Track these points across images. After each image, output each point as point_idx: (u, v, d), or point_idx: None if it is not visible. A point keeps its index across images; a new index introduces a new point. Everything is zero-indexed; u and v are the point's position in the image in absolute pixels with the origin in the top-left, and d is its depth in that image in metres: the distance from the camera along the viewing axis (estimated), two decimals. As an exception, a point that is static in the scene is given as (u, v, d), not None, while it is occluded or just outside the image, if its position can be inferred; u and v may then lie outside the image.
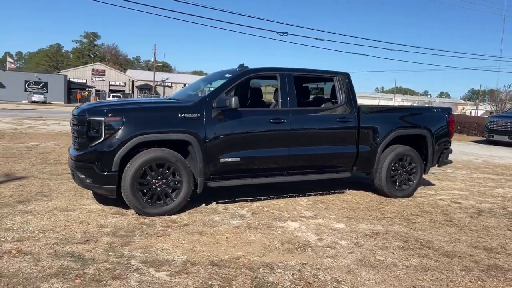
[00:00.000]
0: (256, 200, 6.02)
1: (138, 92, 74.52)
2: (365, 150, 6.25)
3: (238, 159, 5.42)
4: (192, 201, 5.61)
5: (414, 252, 4.23)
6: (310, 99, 6.87)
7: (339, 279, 3.52)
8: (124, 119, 4.86)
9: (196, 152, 5.15)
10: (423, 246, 4.40)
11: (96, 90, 67.03)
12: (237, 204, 5.80)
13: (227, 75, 5.81)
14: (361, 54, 43.79)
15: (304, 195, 6.42)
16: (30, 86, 55.33)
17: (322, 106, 6.33)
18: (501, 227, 5.31)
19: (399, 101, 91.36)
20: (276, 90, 6.16)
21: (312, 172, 6.04)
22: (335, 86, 6.26)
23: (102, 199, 5.55)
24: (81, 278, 3.28)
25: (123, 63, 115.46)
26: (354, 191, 6.91)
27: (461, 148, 15.28)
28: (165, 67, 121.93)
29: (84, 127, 4.95)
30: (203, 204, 5.70)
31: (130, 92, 74.59)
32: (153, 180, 5.01)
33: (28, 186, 6.23)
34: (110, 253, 3.83)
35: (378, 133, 6.29)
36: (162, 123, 5.07)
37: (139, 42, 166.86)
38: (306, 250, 4.17)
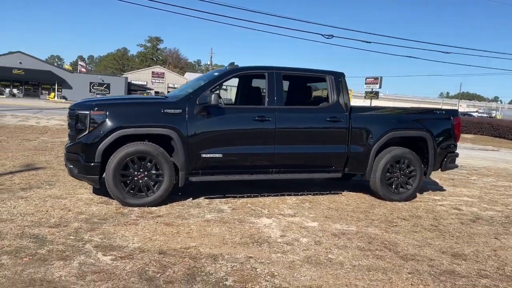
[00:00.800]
0: (246, 197, 6.11)
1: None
2: (357, 151, 6.13)
3: (220, 155, 5.54)
4: (183, 195, 5.88)
5: (372, 253, 4.14)
6: (300, 99, 6.82)
7: (275, 273, 3.54)
8: (107, 113, 5.15)
9: (178, 147, 5.34)
10: (384, 248, 4.29)
11: (155, 92, 69.87)
12: (224, 200, 5.92)
13: (215, 74, 5.95)
14: (410, 56, 42.47)
15: (297, 194, 6.42)
16: (94, 87, 58.88)
17: (312, 105, 6.29)
18: (489, 235, 5.02)
19: (464, 107, 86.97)
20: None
21: (300, 171, 6.02)
22: (327, 85, 6.19)
23: (98, 190, 5.84)
24: (29, 257, 3.56)
25: (183, 66, 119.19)
26: (352, 193, 6.79)
27: (507, 156, 14.38)
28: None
29: (73, 121, 5.31)
30: (190, 198, 5.87)
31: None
32: (135, 172, 5.24)
33: (39, 176, 6.72)
34: (71, 237, 4.10)
35: (371, 134, 6.15)
36: (144, 118, 5.30)
37: (199, 46, 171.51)
38: (262, 245, 4.21)
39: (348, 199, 6.40)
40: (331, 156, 6.04)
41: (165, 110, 5.34)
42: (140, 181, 5.30)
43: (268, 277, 3.47)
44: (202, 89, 5.55)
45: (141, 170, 5.29)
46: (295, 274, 3.55)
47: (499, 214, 6.10)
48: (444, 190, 7.63)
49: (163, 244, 4.06)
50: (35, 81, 59.23)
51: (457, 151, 6.83)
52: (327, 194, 6.60)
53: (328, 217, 5.35)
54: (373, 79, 69.43)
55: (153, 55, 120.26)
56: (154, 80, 76.76)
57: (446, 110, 6.83)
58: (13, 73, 56.14)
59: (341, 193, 6.74)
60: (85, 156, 5.12)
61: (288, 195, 6.39)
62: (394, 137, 6.29)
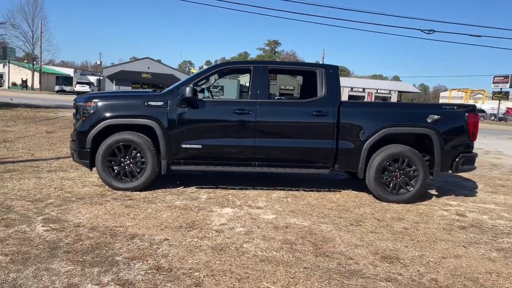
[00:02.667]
0: (237, 189, 6.26)
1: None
2: (347, 147, 5.87)
3: (200, 146, 5.79)
4: (181, 183, 6.37)
5: (290, 247, 4.03)
6: (288, 92, 6.67)
7: (169, 254, 3.70)
8: (97, 105, 5.75)
9: (159, 137, 5.73)
10: (311, 244, 4.14)
11: (300, 97, 71.73)
12: (211, 190, 6.16)
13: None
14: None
15: (290, 189, 6.37)
16: (210, 89, 62.93)
17: (298, 99, 6.17)
18: (461, 242, 4.47)
19: None
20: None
21: (284, 165, 5.97)
22: (316, 79, 6.03)
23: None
24: (-17, 221, 4.24)
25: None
26: (355, 192, 6.49)
27: None
28: (342, 71, 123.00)
29: (75, 111, 6.03)
30: (182, 187, 6.24)
31: (299, 95, 77.50)
32: (121, 159, 5.77)
33: (72, 161, 7.66)
34: (33, 210, 4.74)
35: (363, 130, 5.83)
36: (128, 110, 5.80)
37: (315, 47, 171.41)
38: (192, 231, 4.37)
39: (342, 197, 6.14)
40: (316, 151, 5.88)
41: (149, 103, 5.76)
42: (126, 167, 5.79)
43: (160, 257, 3.65)
44: (185, 83, 5.85)
45: (126, 157, 5.78)
46: (186, 257, 3.66)
47: (511, 224, 5.32)
48: (474, 196, 6.81)
49: (102, 222, 4.47)
50: (160, 84, 65.37)
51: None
52: (324, 191, 6.42)
53: (295, 211, 5.26)
54: (502, 78, 62.49)
55: (271, 57, 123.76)
56: (291, 86, 78.82)
57: (459, 105, 6.10)
58: (142, 77, 62.63)
59: (340, 191, 6.49)
60: (79, 143, 5.78)
61: (280, 189, 6.37)
62: (391, 134, 5.86)
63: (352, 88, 79.18)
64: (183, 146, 5.77)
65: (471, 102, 71.84)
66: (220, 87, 42.15)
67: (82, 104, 5.83)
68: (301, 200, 5.82)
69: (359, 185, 6.83)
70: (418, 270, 3.67)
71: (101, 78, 66.80)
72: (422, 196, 6.31)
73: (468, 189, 7.29)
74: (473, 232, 4.85)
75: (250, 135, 5.80)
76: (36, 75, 57.30)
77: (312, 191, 6.39)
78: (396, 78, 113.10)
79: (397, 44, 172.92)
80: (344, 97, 72.71)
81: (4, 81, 61.17)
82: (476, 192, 7.06)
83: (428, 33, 24.99)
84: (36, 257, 3.49)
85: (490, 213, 5.76)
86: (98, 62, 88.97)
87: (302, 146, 5.86)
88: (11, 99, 26.02)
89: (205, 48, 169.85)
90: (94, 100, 5.82)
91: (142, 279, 3.21)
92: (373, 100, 66.65)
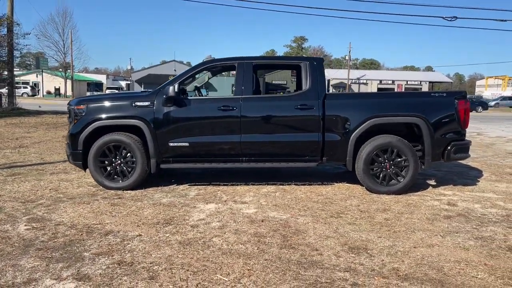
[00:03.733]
0: (229, 185, 6.32)
1: (333, 90, 76.24)
2: (333, 139, 5.82)
3: (187, 144, 5.88)
4: (177, 181, 6.49)
5: (258, 239, 4.06)
6: (273, 87, 6.64)
7: (136, 249, 3.80)
8: (86, 108, 5.94)
9: (147, 136, 5.86)
10: (280, 236, 4.14)
11: (295, 90, 71.65)
12: (202, 186, 6.25)
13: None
14: None
15: (282, 184, 6.37)
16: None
17: (281, 93, 6.15)
18: (439, 232, 4.36)
19: None
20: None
21: (271, 160, 5.98)
22: (301, 73, 6.01)
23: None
24: (-29, 222, 4.48)
25: (327, 64, 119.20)
26: (349, 185, 6.42)
27: None
28: (373, 64, 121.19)
29: (68, 114, 6.25)
30: (175, 185, 6.36)
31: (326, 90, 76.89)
32: (112, 159, 5.94)
33: (79, 164, 7.92)
34: (22, 210, 4.96)
35: (349, 121, 5.77)
36: (116, 111, 5.95)
37: (343, 42, 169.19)
38: (168, 226, 4.47)
39: (333, 190, 6.09)
40: (302, 144, 5.85)
41: (136, 103, 5.90)
42: (117, 167, 5.96)
43: (126, 252, 3.76)
44: (170, 83, 5.96)
45: (117, 157, 5.94)
46: (151, 252, 3.75)
47: (503, 212, 5.14)
48: (474, 185, 6.60)
49: (83, 220, 4.63)
50: (186, 85, 66.36)
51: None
52: (316, 184, 6.38)
53: (278, 205, 5.26)
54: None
55: (298, 54, 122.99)
56: (293, 79, 78.64)
57: (449, 92, 5.93)
58: (169, 79, 63.67)
59: (333, 184, 6.44)
60: (71, 145, 5.99)
61: (272, 184, 6.38)
62: (378, 124, 5.77)
63: (381, 81, 77.81)
64: (171, 144, 5.88)
65: (509, 89, 68.98)
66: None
67: (73, 107, 6.03)
68: (289, 194, 5.81)
69: (355, 178, 6.74)
70: (383, 260, 3.62)
71: (129, 82, 68.40)
72: (417, 186, 6.19)
73: (471, 178, 7.07)
74: (457, 222, 4.72)
75: (235, 131, 5.84)
76: (69, 82, 59.20)
77: (304, 185, 6.37)
78: (428, 69, 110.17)
79: (429, 33, 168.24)
80: (374, 90, 71.58)
81: (39, 89, 63.54)
82: (478, 181, 6.85)
83: (450, 20, 24.27)
84: (7, 254, 3.66)
85: (485, 202, 5.58)
86: (129, 67, 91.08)
87: (288, 140, 5.86)
88: (39, 106, 27.04)
89: (231, 49, 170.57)
90: (84, 103, 6.01)
91: (100, 273, 3.31)
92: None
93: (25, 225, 4.44)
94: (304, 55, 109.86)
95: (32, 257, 3.60)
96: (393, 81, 76.75)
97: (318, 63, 5.97)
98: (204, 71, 6.49)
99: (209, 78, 7.26)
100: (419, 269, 3.44)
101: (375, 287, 3.13)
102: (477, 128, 17.99)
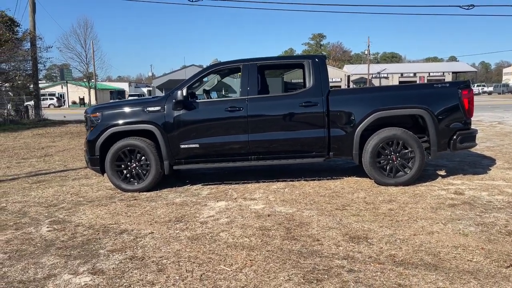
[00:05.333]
0: (240, 184, 6.54)
1: (354, 85, 75.64)
2: (339, 134, 5.97)
3: (197, 145, 6.12)
4: (190, 181, 6.74)
5: (262, 232, 4.24)
6: (291, 86, 6.81)
7: (147, 245, 4.04)
8: (101, 116, 6.26)
9: (159, 140, 6.13)
10: (287, 230, 4.31)
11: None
12: (214, 186, 6.48)
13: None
14: None
15: (293, 180, 6.53)
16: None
17: (286, 92, 6.33)
18: (442, 220, 4.46)
19: None
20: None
21: (280, 157, 6.16)
22: (304, 71, 6.18)
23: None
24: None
25: (347, 59, 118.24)
26: (358, 178, 6.53)
27: None
28: (394, 57, 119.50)
29: (85, 122, 6.59)
30: (189, 185, 6.61)
31: (346, 86, 76.39)
32: (128, 163, 6.23)
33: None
34: (44, 214, 5.29)
35: (353, 116, 5.90)
36: (129, 117, 6.24)
37: (362, 37, 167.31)
38: (178, 223, 4.70)
39: (341, 184, 6.23)
40: (308, 140, 6.01)
41: (147, 109, 6.18)
42: (133, 170, 6.25)
43: (138, 248, 4.01)
44: (178, 87, 6.21)
45: (132, 161, 6.23)
46: (162, 247, 3.99)
47: (509, 199, 5.18)
48: (485, 173, 6.61)
49: (100, 221, 4.92)
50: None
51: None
52: (325, 179, 6.52)
53: (286, 200, 5.44)
54: None
55: (316, 51, 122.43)
56: None
57: (451, 83, 5.98)
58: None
59: (342, 178, 6.57)
60: (89, 151, 6.31)
61: (282, 181, 6.56)
62: (383, 117, 5.88)
63: (402, 74, 76.79)
64: (182, 146, 6.13)
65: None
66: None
67: (89, 115, 6.36)
68: (297, 190, 5.98)
69: (364, 171, 6.85)
70: (381, 248, 3.75)
71: (151, 89, 69.57)
72: (426, 177, 6.27)
73: (482, 167, 7.08)
74: (461, 209, 4.80)
75: (243, 130, 6.04)
76: (92, 92, 60.68)
77: (313, 180, 6.52)
78: (452, 59, 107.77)
79: (451, 22, 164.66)
80: (395, 83, 70.65)
81: (64, 100, 65.34)
82: (489, 170, 6.85)
83: (467, 9, 23.88)
84: (30, 254, 3.96)
85: (492, 189, 5.62)
86: (150, 74, 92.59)
87: (295, 137, 6.02)
88: (64, 116, 27.91)
89: (248, 49, 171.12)
90: (99, 110, 6.33)
91: (113, 268, 3.56)
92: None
93: (47, 227, 4.75)
94: (322, 52, 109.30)
95: (52, 255, 3.89)
96: (414, 74, 75.64)
97: (320, 61, 6.13)
98: (212, 75, 6.71)
99: (218, 81, 7.49)
100: (415, 255, 3.57)
101: (370, 272, 3.27)
102: (499, 117, 17.69)
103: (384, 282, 3.09)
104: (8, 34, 21.35)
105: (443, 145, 5.86)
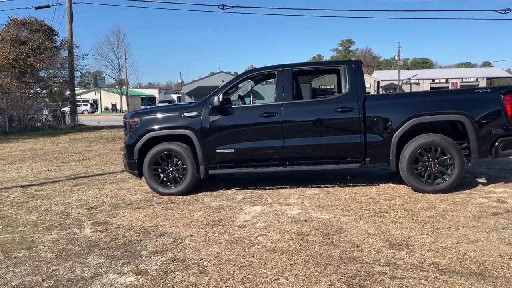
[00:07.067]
0: (275, 189, 6.56)
1: (383, 91, 74.60)
2: (376, 140, 5.92)
3: (232, 150, 6.20)
4: (225, 186, 6.83)
5: (300, 238, 4.25)
6: (320, 92, 6.79)
7: (187, 247, 4.11)
8: (140, 121, 6.42)
9: (195, 144, 6.24)
10: (322, 235, 4.31)
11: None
12: (249, 190, 6.53)
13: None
14: None
15: (327, 186, 6.51)
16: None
17: (322, 97, 6.32)
18: (485, 228, 4.35)
19: None
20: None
21: (314, 163, 6.16)
22: (340, 76, 6.17)
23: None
24: (43, 226, 5.02)
25: (376, 65, 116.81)
26: (394, 185, 6.44)
27: None
28: (424, 63, 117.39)
29: (124, 127, 6.77)
30: (223, 189, 6.68)
31: (376, 92, 75.40)
32: (165, 167, 6.36)
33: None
34: (86, 215, 5.46)
35: (390, 122, 5.85)
36: (167, 122, 6.38)
37: (392, 42, 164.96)
38: (216, 227, 4.77)
39: (377, 190, 6.16)
40: (344, 146, 5.99)
41: (184, 114, 6.30)
42: (170, 174, 6.37)
43: (179, 250, 4.09)
44: (214, 93, 6.30)
45: (169, 165, 6.35)
46: (202, 249, 4.05)
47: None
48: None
49: (140, 223, 5.03)
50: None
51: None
52: (360, 185, 6.47)
53: (321, 206, 5.43)
54: None
55: (345, 57, 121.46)
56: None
57: (493, 88, 5.84)
58: (217, 90, 65.04)
59: (378, 185, 6.50)
60: (127, 155, 6.48)
61: (316, 187, 6.54)
62: (421, 123, 5.80)
63: (433, 80, 75.28)
64: (217, 151, 6.21)
65: None
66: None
67: (128, 120, 6.53)
68: (332, 196, 5.95)
69: (401, 178, 6.75)
70: (423, 255, 3.70)
71: (180, 95, 70.61)
72: (465, 185, 6.13)
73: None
74: (505, 218, 4.67)
75: (278, 136, 6.07)
76: (124, 98, 62.16)
77: (348, 186, 6.48)
78: (486, 64, 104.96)
79: (484, 27, 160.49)
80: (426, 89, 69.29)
81: (97, 106, 67.11)
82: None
83: (504, 13, 23.30)
84: (76, 253, 4.10)
85: (537, 198, 5.44)
86: (179, 81, 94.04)
87: (330, 142, 6.01)
88: (98, 122, 28.67)
89: (277, 55, 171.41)
90: (138, 116, 6.49)
91: (156, 269, 3.64)
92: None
93: (90, 228, 4.89)
94: (352, 58, 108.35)
95: (97, 255, 4.01)
96: (446, 80, 73.99)
97: (356, 66, 6.10)
98: (247, 80, 6.79)
99: (252, 87, 7.56)
100: (460, 264, 3.50)
101: (414, 279, 3.23)
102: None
103: (429, 290, 3.04)
104: (47, 43, 22.17)
105: (484, 151, 5.73)
